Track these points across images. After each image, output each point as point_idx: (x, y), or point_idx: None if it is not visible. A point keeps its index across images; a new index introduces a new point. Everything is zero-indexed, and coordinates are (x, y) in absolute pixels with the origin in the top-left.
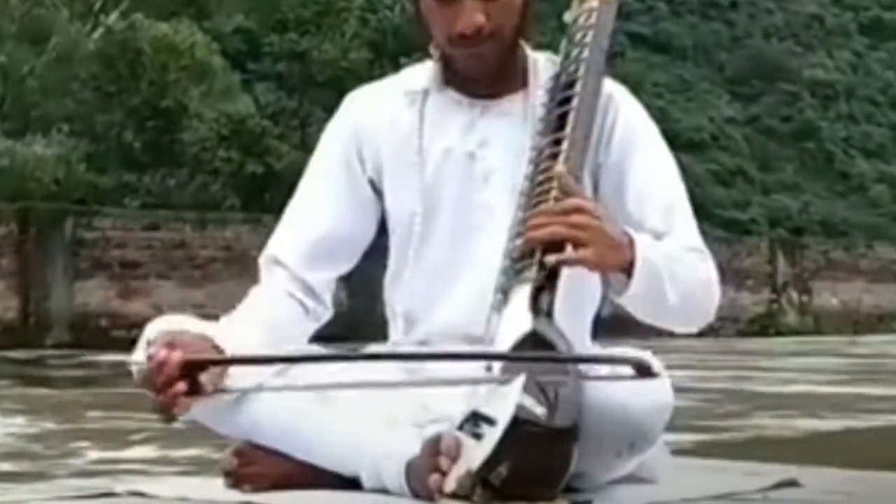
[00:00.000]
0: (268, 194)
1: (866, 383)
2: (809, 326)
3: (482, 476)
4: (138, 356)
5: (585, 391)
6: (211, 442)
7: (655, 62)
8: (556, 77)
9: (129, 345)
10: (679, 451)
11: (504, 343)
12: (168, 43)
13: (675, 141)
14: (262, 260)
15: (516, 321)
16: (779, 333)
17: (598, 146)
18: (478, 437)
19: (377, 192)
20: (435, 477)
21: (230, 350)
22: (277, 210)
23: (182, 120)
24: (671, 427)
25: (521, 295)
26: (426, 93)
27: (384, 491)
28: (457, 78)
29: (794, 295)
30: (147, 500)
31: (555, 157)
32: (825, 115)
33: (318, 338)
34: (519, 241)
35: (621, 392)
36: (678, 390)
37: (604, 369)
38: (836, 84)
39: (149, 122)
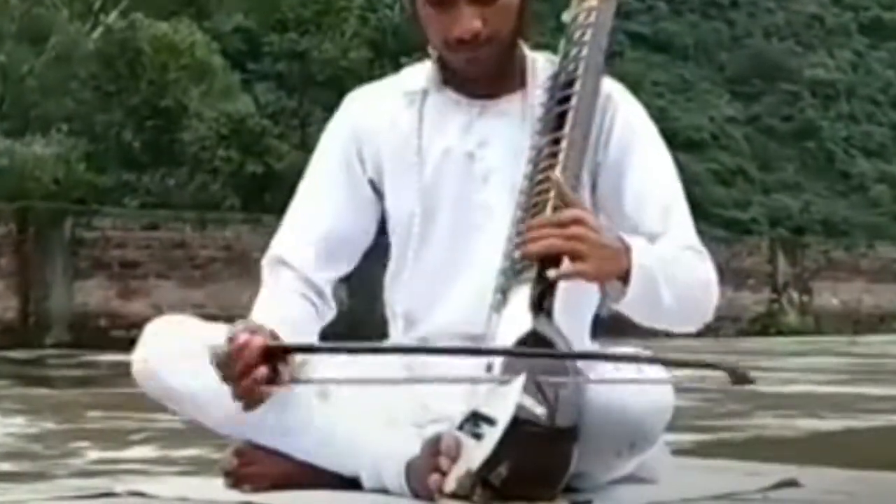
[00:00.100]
0: (268, 194)
1: (867, 383)
2: (810, 326)
3: (482, 476)
4: (217, 341)
5: (586, 391)
6: (211, 442)
7: (655, 61)
8: (555, 76)
9: (129, 345)
10: (679, 451)
11: (504, 343)
12: (168, 42)
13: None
14: (266, 261)
15: (516, 321)
16: (779, 333)
17: (596, 145)
18: (478, 437)
19: (377, 192)
20: (435, 477)
21: None
22: (277, 210)
23: (182, 119)
24: (671, 427)
25: (521, 295)
26: (425, 93)
27: (384, 491)
28: (455, 78)
29: (795, 295)
30: (147, 500)
31: (554, 155)
32: (826, 115)
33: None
34: (518, 240)
35: (622, 392)
36: (678, 390)
37: (610, 372)
38: (837, 83)
39: (148, 122)
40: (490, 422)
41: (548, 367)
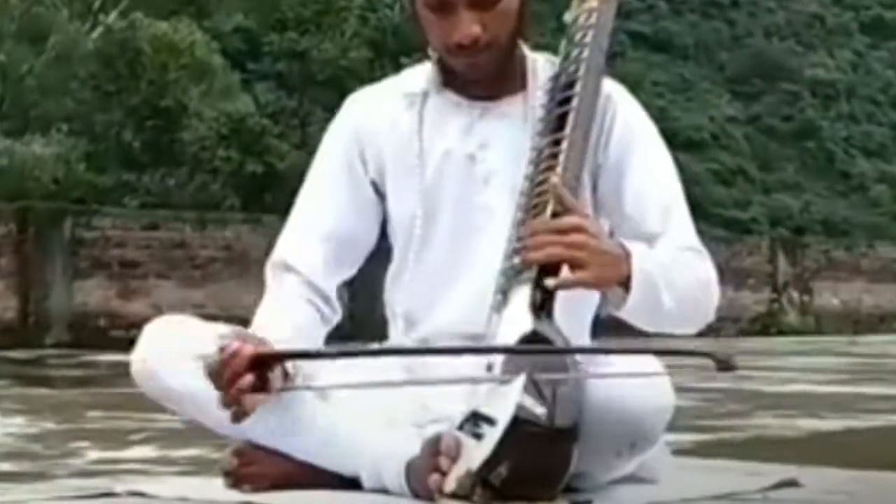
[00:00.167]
0: (268, 194)
1: (867, 383)
2: (810, 326)
3: (482, 476)
4: (209, 349)
5: (586, 391)
6: (211, 442)
7: (656, 61)
8: (556, 77)
9: (129, 345)
10: (679, 451)
11: (505, 343)
12: (167, 42)
13: (675, 140)
14: (270, 265)
15: (516, 321)
16: (780, 333)
17: (597, 146)
18: (478, 436)
19: (379, 193)
20: (435, 477)
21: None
22: (278, 210)
23: (182, 119)
24: (671, 427)
25: (521, 295)
26: (425, 95)
27: (384, 491)
28: (456, 80)
29: (795, 294)
30: (147, 500)
31: (554, 157)
32: (826, 115)
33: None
34: (517, 244)
35: (622, 392)
36: (678, 390)
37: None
38: (837, 83)
39: (148, 122)
40: (490, 422)
41: (548, 367)
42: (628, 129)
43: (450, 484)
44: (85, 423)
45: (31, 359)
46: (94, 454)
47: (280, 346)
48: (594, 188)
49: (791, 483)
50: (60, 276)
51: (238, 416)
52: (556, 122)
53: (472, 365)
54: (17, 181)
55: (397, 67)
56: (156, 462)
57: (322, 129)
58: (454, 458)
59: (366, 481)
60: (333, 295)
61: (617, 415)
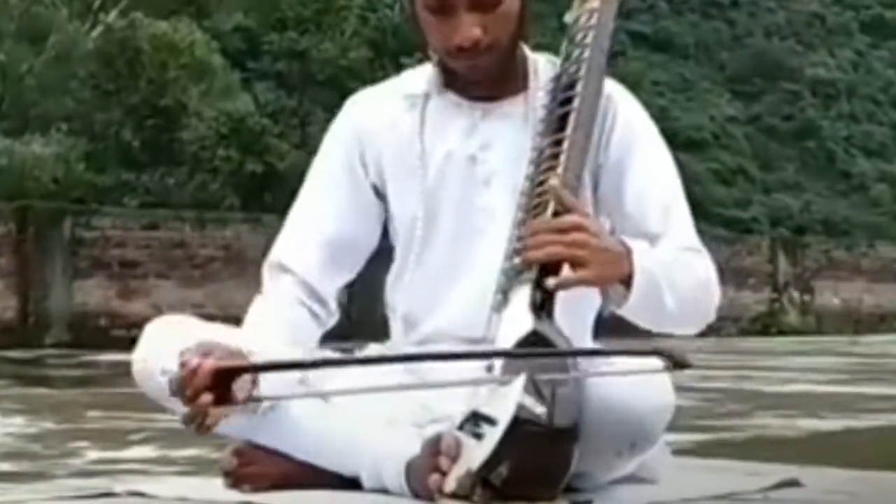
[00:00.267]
0: (267, 193)
1: (867, 383)
2: (811, 326)
3: (482, 476)
4: (171, 365)
5: (586, 390)
6: (210, 442)
7: (656, 61)
8: (557, 78)
9: (129, 344)
10: (680, 451)
11: (505, 343)
12: (167, 41)
13: (676, 140)
14: (267, 266)
15: (517, 321)
16: (780, 333)
17: (597, 147)
18: (478, 436)
19: (380, 195)
20: (435, 477)
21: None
22: (277, 209)
23: (181, 119)
24: (671, 427)
25: (522, 295)
26: (426, 96)
27: (384, 491)
28: (457, 81)
29: (796, 294)
30: (147, 500)
31: (556, 157)
32: (826, 114)
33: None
34: (518, 244)
35: (622, 391)
36: (679, 390)
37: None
38: (838, 83)
39: (148, 121)
40: (490, 422)
41: (548, 367)
42: (629, 129)
43: (450, 484)
44: (85, 423)
45: (31, 358)
46: (93, 454)
47: (266, 346)
48: (595, 188)
49: (792, 483)
50: (60, 275)
51: (202, 431)
52: (557, 123)
53: (471, 366)
54: (16, 181)
55: (397, 67)
56: (155, 462)
57: (322, 128)
58: (454, 458)
59: (366, 481)
60: (331, 297)
61: (617, 415)
